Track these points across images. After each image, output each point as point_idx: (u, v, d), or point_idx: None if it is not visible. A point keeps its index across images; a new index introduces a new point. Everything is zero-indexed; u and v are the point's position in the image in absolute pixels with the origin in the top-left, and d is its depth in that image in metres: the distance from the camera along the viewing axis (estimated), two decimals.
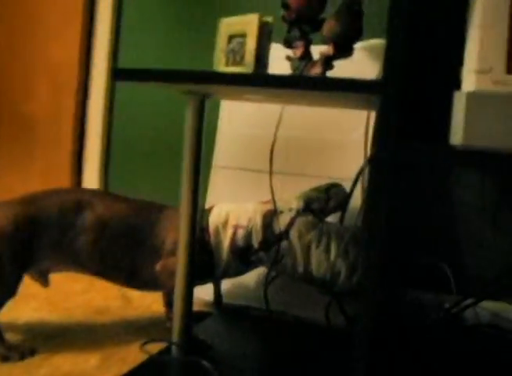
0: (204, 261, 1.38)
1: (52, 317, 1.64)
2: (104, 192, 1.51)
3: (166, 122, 2.28)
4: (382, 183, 0.92)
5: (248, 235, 1.34)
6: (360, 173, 1.26)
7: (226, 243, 1.35)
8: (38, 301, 1.76)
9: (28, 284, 1.53)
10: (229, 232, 1.36)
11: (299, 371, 1.29)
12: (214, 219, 1.40)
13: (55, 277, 1.61)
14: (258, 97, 1.37)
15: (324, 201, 1.36)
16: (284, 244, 1.31)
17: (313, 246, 1.29)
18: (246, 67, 1.17)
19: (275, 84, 1.06)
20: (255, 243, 1.34)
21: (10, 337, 1.44)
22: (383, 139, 0.92)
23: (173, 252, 1.36)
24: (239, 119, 1.95)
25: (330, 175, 1.67)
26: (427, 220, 1.59)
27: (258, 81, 1.08)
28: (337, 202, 1.38)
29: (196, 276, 1.34)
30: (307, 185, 1.53)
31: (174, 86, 1.27)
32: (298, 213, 1.33)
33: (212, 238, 1.37)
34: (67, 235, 1.39)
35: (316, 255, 1.28)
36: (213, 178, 1.95)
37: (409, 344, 1.22)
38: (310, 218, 1.32)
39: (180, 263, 1.32)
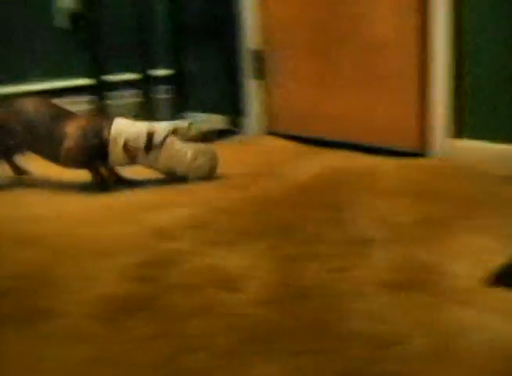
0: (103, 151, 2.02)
1: None
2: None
3: None
4: None
5: (136, 140, 1.99)
6: None
7: (121, 143, 1.98)
8: None
9: None
10: (123, 137, 1.99)
11: None
12: (113, 130, 2.00)
13: None
14: None
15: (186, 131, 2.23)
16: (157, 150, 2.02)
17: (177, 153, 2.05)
18: None
19: None
20: (141, 146, 1.99)
21: None
22: None
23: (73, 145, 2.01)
24: None
25: None
26: None
27: None
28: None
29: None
30: None
31: None
32: (168, 134, 2.04)
33: (111, 139, 1.99)
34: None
35: (177, 158, 2.05)
36: None
37: None
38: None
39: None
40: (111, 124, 2.03)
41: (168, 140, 2.05)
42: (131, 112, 2.89)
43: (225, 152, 2.41)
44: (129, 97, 2.96)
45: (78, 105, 2.83)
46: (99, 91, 2.87)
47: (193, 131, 2.31)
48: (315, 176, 2.09)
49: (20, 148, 2.12)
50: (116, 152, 2.00)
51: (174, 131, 2.10)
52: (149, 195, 1.93)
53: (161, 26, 2.94)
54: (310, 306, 1.21)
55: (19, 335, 1.12)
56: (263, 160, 2.35)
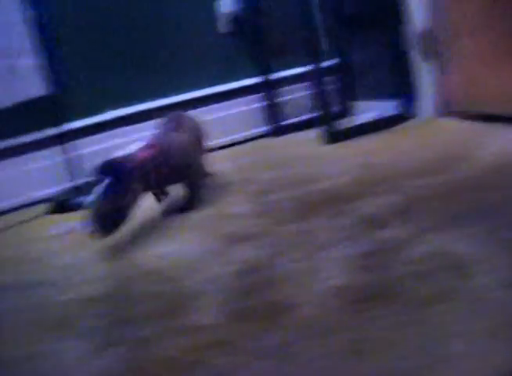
0: None
1: None
2: None
3: None
4: None
5: None
6: None
7: None
8: None
9: None
10: None
11: None
12: None
13: None
14: None
15: None
16: None
17: None
18: None
19: None
20: None
21: None
22: None
23: None
24: None
25: None
26: None
27: None
28: None
29: None
30: None
31: None
32: None
33: None
34: None
35: None
36: None
37: None
38: None
39: None
40: None
41: None
42: (302, 106, 2.94)
43: (403, 138, 2.38)
44: (298, 92, 3.00)
45: (250, 104, 2.91)
46: (269, 89, 2.92)
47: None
48: (506, 156, 2.01)
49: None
50: None
51: None
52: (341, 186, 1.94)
53: (321, 15, 2.95)
54: None
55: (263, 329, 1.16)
56: (445, 143, 2.27)
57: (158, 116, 2.66)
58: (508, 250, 1.33)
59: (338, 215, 1.68)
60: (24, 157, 2.59)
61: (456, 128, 2.45)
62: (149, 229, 1.90)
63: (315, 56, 2.55)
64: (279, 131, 2.95)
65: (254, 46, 2.91)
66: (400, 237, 1.46)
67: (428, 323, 1.09)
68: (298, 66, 2.95)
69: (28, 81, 2.47)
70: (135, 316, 1.34)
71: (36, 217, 2.35)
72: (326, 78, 2.67)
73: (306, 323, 1.15)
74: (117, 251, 1.76)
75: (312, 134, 2.74)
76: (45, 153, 2.61)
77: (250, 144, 2.87)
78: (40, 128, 2.58)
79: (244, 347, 1.11)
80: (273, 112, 2.96)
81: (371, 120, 2.69)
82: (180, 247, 1.70)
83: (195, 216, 1.94)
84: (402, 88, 2.70)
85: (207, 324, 1.22)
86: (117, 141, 2.60)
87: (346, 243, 1.48)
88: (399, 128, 2.60)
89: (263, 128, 2.98)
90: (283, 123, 2.98)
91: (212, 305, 1.30)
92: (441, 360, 0.96)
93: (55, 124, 2.50)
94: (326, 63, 2.87)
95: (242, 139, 2.88)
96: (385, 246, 1.43)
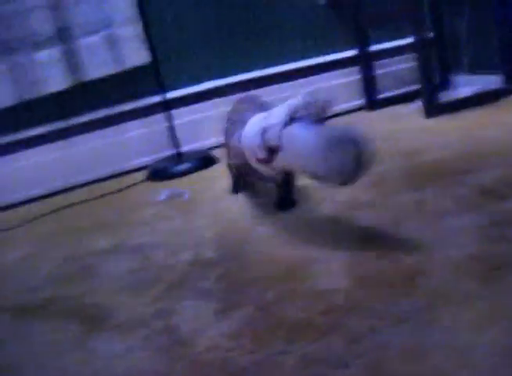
0: None
1: None
2: None
3: None
4: None
5: (257, 150, 1.52)
6: None
7: (250, 156, 1.58)
8: None
9: None
10: (248, 149, 1.58)
11: None
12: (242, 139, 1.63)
13: None
14: None
15: (309, 107, 1.45)
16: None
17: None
18: None
19: None
20: (263, 156, 1.52)
21: None
22: None
23: None
24: None
25: None
26: None
27: None
28: (321, 107, 1.46)
29: None
30: None
31: None
32: (285, 125, 1.44)
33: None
34: None
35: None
36: None
37: None
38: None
39: None
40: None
41: (289, 131, 1.43)
42: (399, 79, 2.88)
43: (508, 113, 2.30)
44: (396, 64, 2.94)
45: (346, 77, 2.87)
46: (366, 61, 2.88)
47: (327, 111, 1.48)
48: None
49: None
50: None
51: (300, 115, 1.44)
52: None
53: None
54: None
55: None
56: None
57: (254, 87, 2.67)
58: None
59: (453, 186, 1.64)
60: (125, 125, 2.63)
61: None
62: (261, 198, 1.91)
63: (416, 27, 2.48)
64: (374, 104, 2.90)
65: (353, 17, 2.86)
66: None
67: None
68: (397, 38, 2.89)
69: (130, 49, 2.50)
70: (255, 278, 1.34)
71: (135, 184, 2.40)
72: (427, 50, 2.60)
73: (439, 291, 1.13)
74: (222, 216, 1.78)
75: (410, 108, 2.68)
76: (145, 121, 2.64)
77: (345, 117, 2.83)
78: (140, 96, 2.61)
79: (378, 311, 1.10)
80: (370, 85, 2.91)
81: (473, 94, 2.61)
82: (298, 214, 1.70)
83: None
84: (506, 61, 2.61)
85: (337, 288, 1.21)
86: (214, 112, 2.61)
87: (467, 213, 1.44)
88: (503, 102, 2.52)
89: (359, 101, 2.93)
90: (379, 96, 2.93)
91: (339, 269, 1.29)
92: None
93: (155, 92, 2.52)
94: (426, 35, 2.80)
95: (337, 112, 2.85)
96: (509, 217, 1.38)
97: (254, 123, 1.57)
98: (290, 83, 2.80)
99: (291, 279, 1.30)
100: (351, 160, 1.30)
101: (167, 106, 2.51)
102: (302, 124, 1.43)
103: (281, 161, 1.49)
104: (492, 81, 2.63)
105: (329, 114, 1.51)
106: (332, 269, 1.30)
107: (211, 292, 1.32)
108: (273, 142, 1.46)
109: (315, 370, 0.97)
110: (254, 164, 1.58)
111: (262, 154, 1.51)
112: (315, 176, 1.39)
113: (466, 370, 0.90)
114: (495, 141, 1.99)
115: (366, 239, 1.42)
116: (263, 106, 1.74)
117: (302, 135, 1.41)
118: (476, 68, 2.79)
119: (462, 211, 1.46)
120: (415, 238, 1.37)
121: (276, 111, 1.50)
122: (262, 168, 1.58)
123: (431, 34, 2.88)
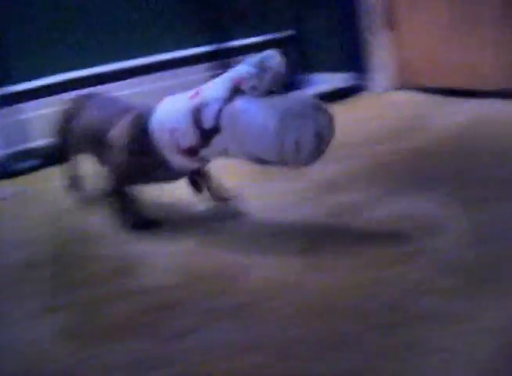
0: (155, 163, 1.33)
1: None
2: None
3: None
4: None
5: (184, 135, 1.23)
6: None
7: (169, 145, 1.27)
8: None
9: None
10: (167, 135, 1.26)
11: None
12: (153, 123, 1.30)
13: None
14: None
15: (257, 77, 1.20)
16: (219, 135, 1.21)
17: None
18: None
19: None
20: (193, 142, 1.24)
21: None
22: None
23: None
24: None
25: None
26: None
27: None
28: (273, 75, 1.22)
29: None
30: None
31: None
32: (225, 102, 1.19)
33: (156, 141, 1.29)
34: None
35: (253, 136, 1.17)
36: None
37: None
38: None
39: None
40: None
41: (231, 109, 1.19)
42: None
43: (356, 110, 2.35)
44: None
45: (199, 74, 2.82)
46: (222, 57, 2.84)
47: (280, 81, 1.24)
48: (463, 126, 2.01)
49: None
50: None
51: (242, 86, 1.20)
52: None
53: None
54: None
55: None
56: (399, 114, 2.27)
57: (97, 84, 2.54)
58: (469, 210, 1.32)
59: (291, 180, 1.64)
60: None
61: (410, 101, 2.45)
62: None
63: (275, 24, 2.48)
64: None
65: (209, 12, 2.81)
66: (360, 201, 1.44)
67: None
68: (256, 35, 2.88)
69: None
70: (83, 278, 1.27)
71: None
72: (287, 48, 2.61)
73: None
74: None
75: None
76: None
77: None
78: None
79: (203, 308, 1.06)
80: None
81: (322, 91, 2.65)
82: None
83: None
84: (355, 61, 2.67)
85: (165, 285, 1.16)
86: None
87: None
88: (352, 100, 2.58)
89: None
90: None
91: (169, 265, 1.24)
92: None
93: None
94: (279, 34, 2.82)
95: None
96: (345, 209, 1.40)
97: (174, 104, 1.28)
98: (140, 78, 2.71)
99: (119, 277, 1.24)
100: (311, 137, 1.13)
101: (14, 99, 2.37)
102: (248, 98, 1.19)
103: (218, 147, 1.22)
104: (342, 80, 2.68)
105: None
106: (161, 266, 1.25)
107: (35, 293, 1.23)
108: (210, 123, 1.20)
109: (137, 370, 0.92)
110: (172, 157, 1.29)
111: (193, 141, 1.23)
112: (265, 160, 1.18)
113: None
114: (340, 135, 2.02)
115: (207, 233, 1.40)
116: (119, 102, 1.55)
117: (248, 112, 1.17)
118: (330, 67, 2.83)
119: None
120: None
121: (213, 85, 1.24)
122: (180, 162, 1.30)
123: (292, 32, 2.89)
